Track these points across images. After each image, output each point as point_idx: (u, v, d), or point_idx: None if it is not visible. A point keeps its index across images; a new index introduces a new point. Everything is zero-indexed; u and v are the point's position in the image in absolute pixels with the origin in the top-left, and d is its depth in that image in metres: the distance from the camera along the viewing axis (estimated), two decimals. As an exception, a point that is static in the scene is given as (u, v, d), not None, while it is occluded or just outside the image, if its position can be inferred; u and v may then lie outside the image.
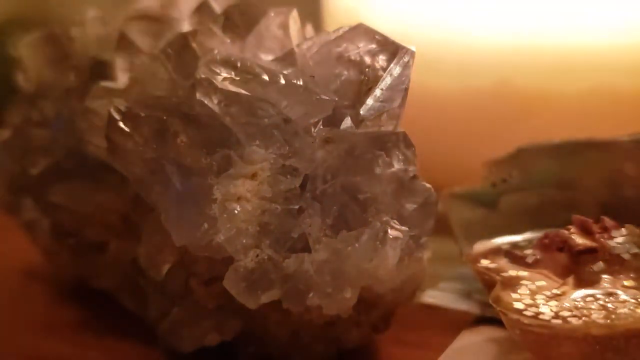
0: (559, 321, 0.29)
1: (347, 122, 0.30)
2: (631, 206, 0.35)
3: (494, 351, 0.32)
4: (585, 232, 0.32)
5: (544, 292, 0.31)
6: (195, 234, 0.29)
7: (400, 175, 0.30)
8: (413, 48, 0.31)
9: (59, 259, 0.39)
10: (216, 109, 0.30)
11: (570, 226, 0.33)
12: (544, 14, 0.40)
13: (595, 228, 0.32)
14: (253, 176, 0.30)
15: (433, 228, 0.31)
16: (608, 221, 0.33)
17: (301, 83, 0.30)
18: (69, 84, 0.36)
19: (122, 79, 0.34)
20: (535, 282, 0.31)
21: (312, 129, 0.30)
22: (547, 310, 0.29)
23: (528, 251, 0.33)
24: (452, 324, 0.35)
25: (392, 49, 0.31)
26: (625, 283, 0.31)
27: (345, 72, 0.31)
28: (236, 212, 0.29)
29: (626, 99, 0.41)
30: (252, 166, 0.30)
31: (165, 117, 0.30)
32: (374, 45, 0.31)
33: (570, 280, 0.31)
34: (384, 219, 0.29)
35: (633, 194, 0.35)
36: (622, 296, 0.30)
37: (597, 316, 0.29)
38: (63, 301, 0.39)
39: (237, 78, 0.30)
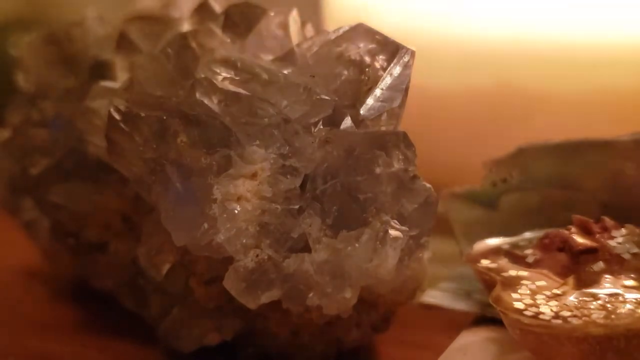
0: (559, 321, 0.29)
1: (347, 122, 0.30)
2: (631, 206, 0.35)
3: (494, 351, 0.32)
4: (586, 232, 0.32)
5: (544, 292, 0.31)
6: (195, 234, 0.29)
7: (400, 175, 0.30)
8: (413, 48, 0.31)
9: (59, 259, 0.39)
10: (216, 109, 0.30)
11: (570, 226, 0.33)
12: (544, 14, 0.40)
13: (596, 228, 0.32)
14: (253, 176, 0.30)
15: (433, 228, 0.31)
16: (608, 221, 0.33)
17: (301, 83, 0.30)
18: (69, 84, 0.36)
19: (122, 79, 0.34)
20: (536, 282, 0.31)
21: (312, 129, 0.30)
22: (547, 310, 0.29)
23: (528, 251, 0.33)
24: (452, 324, 0.35)
25: (392, 49, 0.31)
26: (626, 283, 0.31)
27: (345, 72, 0.31)
28: (236, 212, 0.29)
29: (626, 99, 0.41)
30: (252, 166, 0.30)
31: (165, 117, 0.30)
32: (374, 45, 0.31)
33: (571, 280, 0.31)
34: (384, 219, 0.29)
35: (633, 194, 0.35)
36: (622, 296, 0.30)
37: (597, 316, 0.29)
38: (63, 301, 0.39)
39: (237, 78, 0.30)
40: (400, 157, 0.30)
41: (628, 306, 0.29)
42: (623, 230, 0.32)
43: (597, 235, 0.32)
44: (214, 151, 0.30)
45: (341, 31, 0.32)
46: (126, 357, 0.34)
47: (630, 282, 0.31)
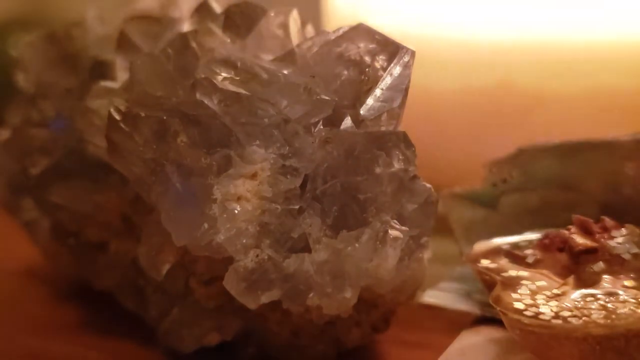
0: (559, 321, 0.29)
1: (347, 122, 0.30)
2: (631, 206, 0.35)
3: (494, 351, 0.32)
4: (586, 232, 0.32)
5: (544, 292, 0.31)
6: (195, 234, 0.29)
7: (400, 175, 0.30)
8: (413, 48, 0.31)
9: (59, 259, 0.39)
10: (216, 109, 0.30)
11: (570, 226, 0.33)
12: (544, 14, 0.40)
13: (596, 228, 0.32)
14: (253, 176, 0.30)
15: (433, 228, 0.31)
16: (608, 221, 0.33)
17: (301, 83, 0.30)
18: (69, 84, 0.36)
19: (122, 79, 0.34)
20: (536, 282, 0.31)
21: (312, 129, 0.30)
22: (547, 310, 0.29)
23: (528, 251, 0.33)
24: (452, 324, 0.35)
25: (392, 49, 0.31)
26: (626, 283, 0.31)
27: (345, 72, 0.31)
28: (236, 212, 0.29)
29: (626, 99, 0.41)
30: (252, 166, 0.30)
31: (165, 117, 0.30)
32: (374, 45, 0.31)
33: (571, 280, 0.31)
34: (384, 219, 0.29)
35: (633, 194, 0.35)
36: (622, 296, 0.30)
37: (597, 316, 0.29)
38: (63, 301, 0.39)
39: (237, 78, 0.30)
40: (400, 157, 0.30)
41: (628, 306, 0.29)
42: (623, 230, 0.32)
43: (597, 236, 0.32)
44: (214, 151, 0.30)
45: (341, 31, 0.32)
46: (126, 357, 0.34)
47: (630, 282, 0.31)
